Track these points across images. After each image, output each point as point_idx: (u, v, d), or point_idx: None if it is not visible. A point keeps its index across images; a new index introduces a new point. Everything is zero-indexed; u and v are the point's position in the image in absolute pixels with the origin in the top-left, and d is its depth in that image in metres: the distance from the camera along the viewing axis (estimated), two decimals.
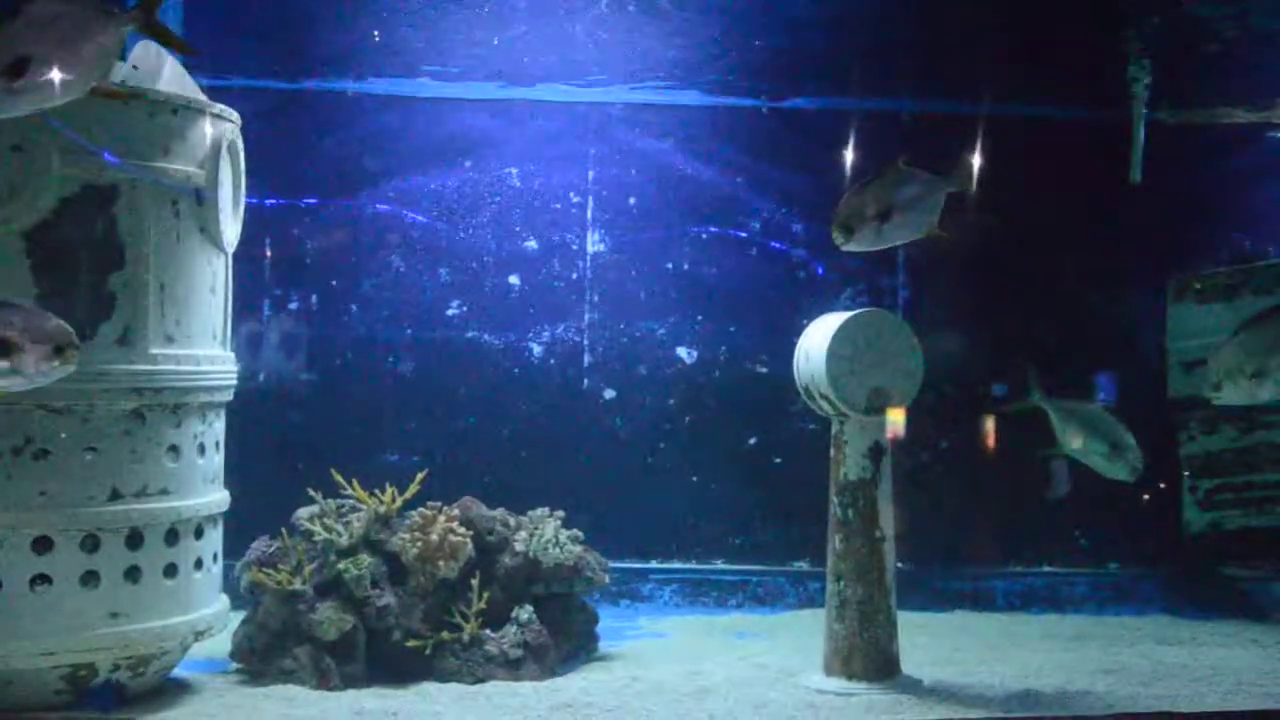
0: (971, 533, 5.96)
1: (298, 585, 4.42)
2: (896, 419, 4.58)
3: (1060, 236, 5.93)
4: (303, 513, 4.67)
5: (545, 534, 4.72)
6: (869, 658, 4.39)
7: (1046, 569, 5.98)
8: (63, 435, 3.86)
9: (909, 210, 4.14)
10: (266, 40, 5.63)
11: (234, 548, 4.53)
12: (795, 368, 4.61)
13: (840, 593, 4.45)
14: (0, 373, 3.27)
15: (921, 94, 5.90)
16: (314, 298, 5.83)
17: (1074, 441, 4.77)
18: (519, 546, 4.71)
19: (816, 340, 4.49)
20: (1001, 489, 5.93)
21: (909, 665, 4.49)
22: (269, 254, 5.80)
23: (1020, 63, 5.50)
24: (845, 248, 4.15)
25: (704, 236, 5.96)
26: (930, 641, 5.11)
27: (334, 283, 5.85)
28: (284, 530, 4.62)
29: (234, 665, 4.48)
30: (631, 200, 6.01)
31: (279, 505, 4.76)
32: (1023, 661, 4.80)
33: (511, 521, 4.80)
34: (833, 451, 4.52)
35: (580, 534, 4.85)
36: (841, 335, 4.41)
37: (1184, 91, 5.85)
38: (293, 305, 5.85)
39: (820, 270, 6.02)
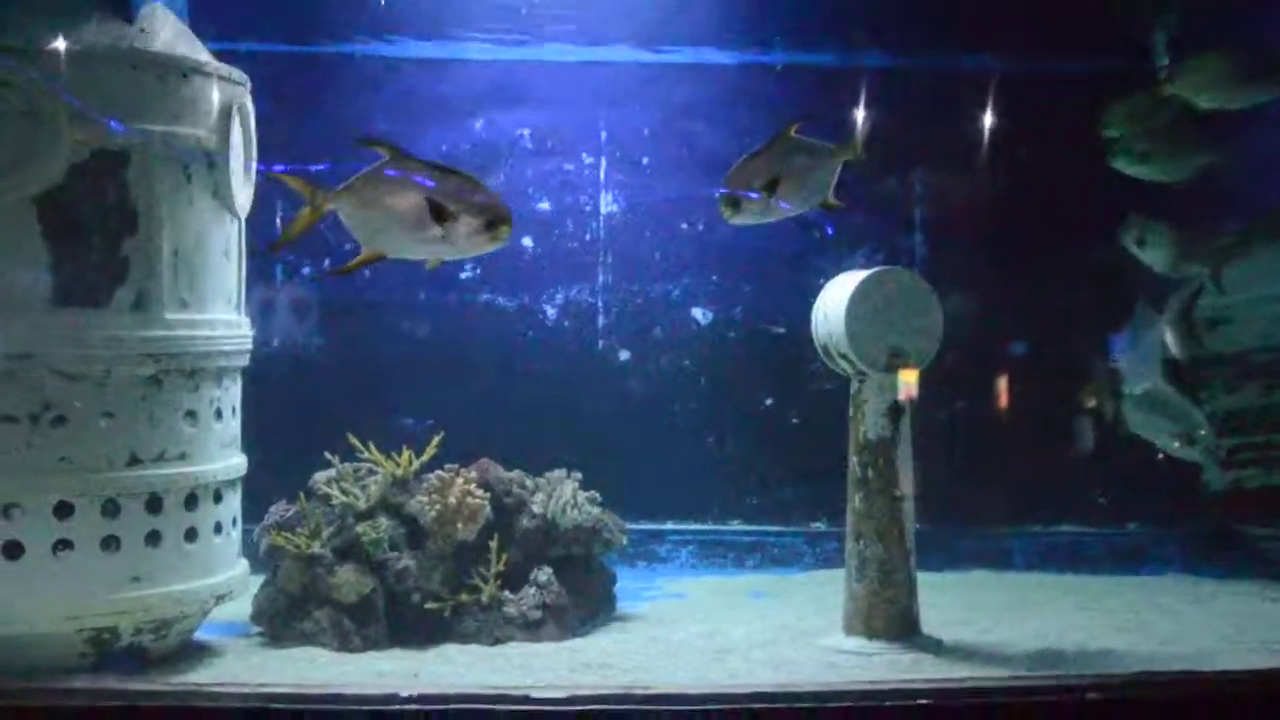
0: (989, 493, 5.93)
1: (316, 549, 4.43)
2: (914, 378, 4.55)
3: (1082, 194, 5.84)
4: (320, 476, 4.68)
5: (563, 496, 4.71)
6: (889, 617, 4.39)
7: (1065, 529, 5.95)
8: (79, 402, 3.86)
9: (798, 181, 4.10)
10: (272, 2, 5.58)
11: (252, 512, 4.54)
12: (813, 326, 4.57)
13: (860, 552, 4.44)
14: (431, 240, 3.28)
15: (936, 48, 5.81)
16: (327, 263, 5.80)
17: (1147, 424, 4.79)
18: (536, 508, 4.71)
19: (835, 298, 4.45)
20: (1019, 449, 5.90)
21: (928, 625, 4.49)
22: (281, 220, 5.76)
23: (1043, 13, 5.41)
24: (732, 221, 4.13)
25: (718, 196, 5.89)
26: (949, 601, 5.10)
27: (347, 247, 5.80)
28: (301, 494, 4.63)
29: (255, 628, 4.51)
30: (645, 160, 5.95)
31: (296, 470, 4.76)
32: (1042, 621, 4.79)
33: (529, 483, 4.80)
34: (851, 411, 4.50)
35: (598, 495, 4.84)
36: (860, 293, 4.37)
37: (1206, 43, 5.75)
38: (305, 270, 5.83)
39: (835, 229, 5.96)
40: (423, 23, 5.73)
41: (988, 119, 5.49)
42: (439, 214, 3.31)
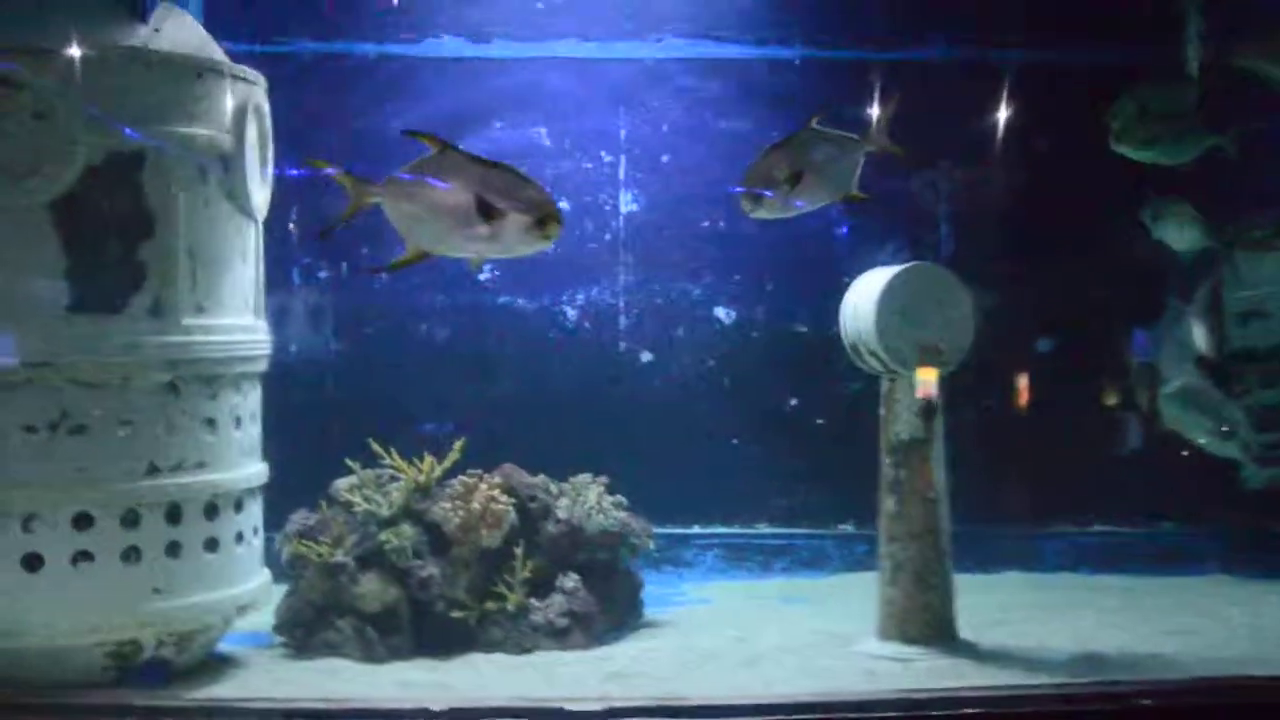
0: (1020, 492, 5.81)
1: (339, 557, 4.34)
2: (933, 377, 4.43)
3: (1109, 187, 5.72)
4: (341, 484, 4.59)
5: (588, 500, 4.62)
6: (925, 622, 4.28)
7: (1098, 528, 5.83)
8: (97, 411, 3.78)
9: (821, 174, 3.99)
10: (286, 2, 5.51)
11: (272, 520, 4.45)
12: (842, 325, 4.47)
13: (893, 555, 4.33)
14: (479, 237, 3.16)
15: (961, 41, 5.70)
16: (344, 266, 5.72)
17: (1182, 420, 4.68)
18: (562, 514, 4.62)
19: (865, 296, 4.35)
20: (1049, 447, 5.78)
21: (964, 628, 4.38)
22: (296, 223, 5.68)
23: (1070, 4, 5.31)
24: (754, 215, 4.02)
25: (740, 194, 5.79)
26: (981, 603, 4.97)
27: (364, 250, 5.74)
28: (323, 502, 4.55)
29: (277, 639, 4.42)
30: (665, 158, 5.85)
31: (315, 477, 4.68)
32: (1081, 624, 4.68)
33: (554, 488, 4.70)
34: (882, 410, 4.40)
35: (624, 500, 4.75)
36: (891, 290, 4.27)
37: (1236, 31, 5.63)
38: (322, 274, 5.75)
39: (859, 226, 5.86)
40: (435, 21, 5.64)
41: (1013, 111, 5.38)
42: (487, 211, 3.16)
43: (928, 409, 4.31)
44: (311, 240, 5.68)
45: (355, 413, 5.47)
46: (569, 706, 2.78)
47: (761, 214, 3.99)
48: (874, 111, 4.29)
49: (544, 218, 3.18)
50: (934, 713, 2.86)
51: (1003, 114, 5.39)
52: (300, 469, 4.67)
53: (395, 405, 5.60)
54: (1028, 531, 5.79)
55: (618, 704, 2.78)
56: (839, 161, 4.03)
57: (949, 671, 4.09)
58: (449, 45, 5.67)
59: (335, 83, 5.70)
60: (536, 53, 5.71)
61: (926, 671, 4.09)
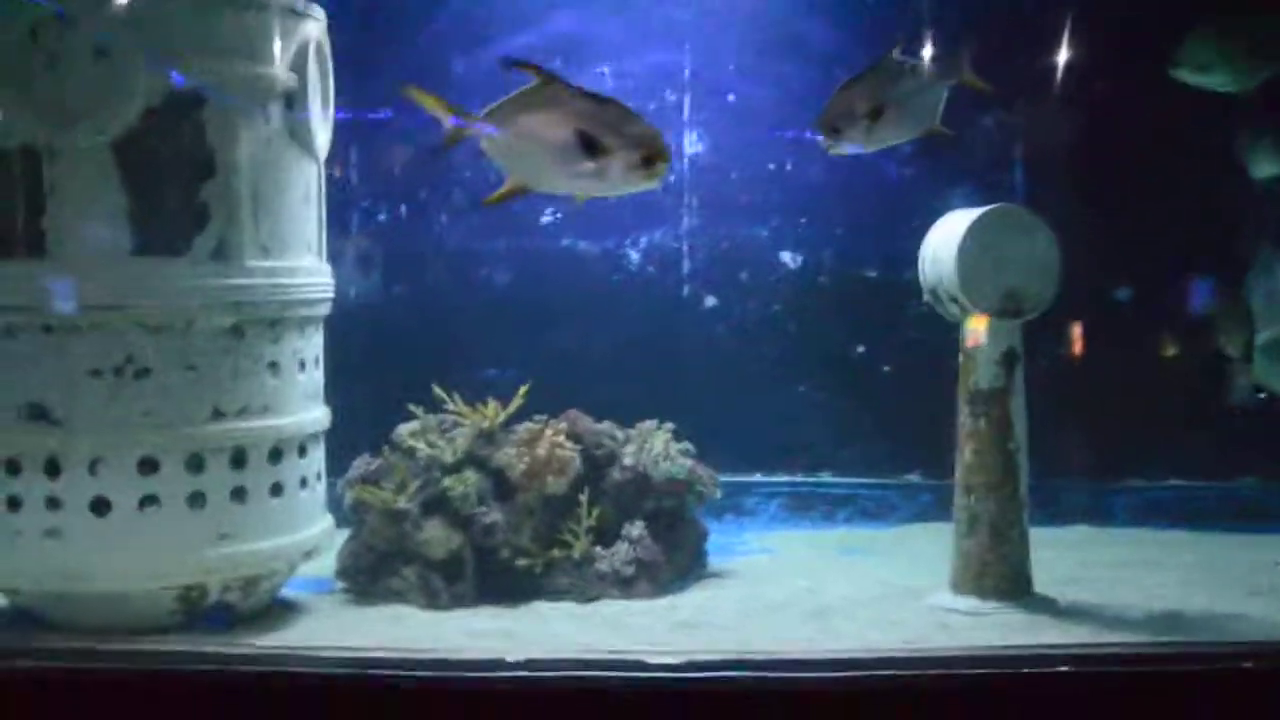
0: (1090, 444, 5.64)
1: (403, 503, 4.30)
2: (982, 325, 4.26)
3: (1201, 127, 5.46)
4: (404, 429, 4.54)
5: (655, 447, 4.53)
6: (1001, 575, 4.16)
7: (1172, 482, 5.65)
8: (162, 354, 3.74)
9: (904, 108, 3.83)
10: None
11: (333, 466, 4.41)
12: (920, 269, 4.31)
13: (970, 507, 4.21)
14: (583, 174, 3.07)
15: None
16: (403, 209, 5.63)
17: (1271, 373, 4.49)
18: (628, 460, 4.53)
19: (945, 239, 4.18)
20: (1122, 397, 5.59)
21: (1038, 584, 4.25)
22: (354, 165, 5.59)
23: None
24: (833, 152, 3.85)
25: (807, 135, 5.60)
26: (1053, 558, 4.82)
27: (422, 193, 5.64)
28: (385, 447, 4.50)
29: (339, 584, 4.40)
30: (731, 98, 5.67)
31: (375, 422, 4.64)
32: (1157, 580, 4.53)
33: (619, 435, 4.62)
34: (962, 358, 4.25)
35: (690, 447, 4.65)
36: (973, 233, 4.09)
37: None
38: (381, 218, 5.66)
39: (930, 168, 5.65)
40: None
41: (1094, 44, 5.13)
42: (591, 146, 3.03)
43: (1010, 356, 4.15)
44: (370, 182, 5.59)
45: (414, 358, 5.40)
46: (648, 658, 2.70)
47: (841, 150, 3.84)
48: (955, 44, 4.11)
49: (651, 155, 3.02)
50: (1025, 670, 2.75)
51: (1082, 47, 5.15)
52: (360, 414, 4.62)
53: (455, 350, 5.52)
54: (1098, 485, 5.63)
55: (698, 656, 2.69)
56: (922, 95, 3.87)
57: (1026, 627, 3.98)
58: None
59: (382, 20, 5.56)
60: None
61: (1002, 626, 3.98)
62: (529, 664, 2.68)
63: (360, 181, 5.61)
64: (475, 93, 3.42)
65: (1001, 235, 4.11)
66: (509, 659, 2.69)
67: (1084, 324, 5.63)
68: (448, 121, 3.30)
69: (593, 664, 2.70)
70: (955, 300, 4.17)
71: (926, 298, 4.31)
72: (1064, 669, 2.76)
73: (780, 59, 5.62)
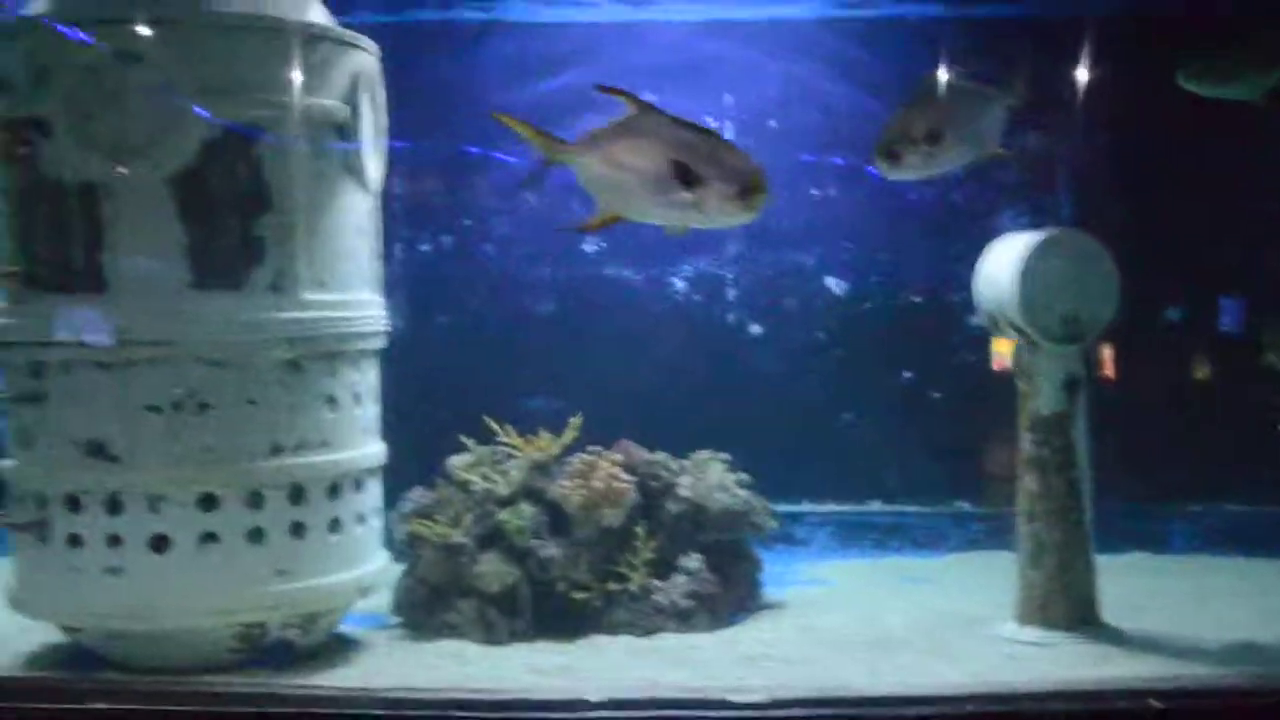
0: (1146, 468, 5.56)
1: (458, 537, 4.25)
2: (1008, 349, 4.21)
3: (1244, 146, 5.41)
4: (457, 461, 4.50)
5: (711, 478, 4.48)
6: (1068, 605, 4.09)
7: (1230, 507, 5.56)
8: (221, 389, 3.71)
9: (963, 130, 3.75)
10: None
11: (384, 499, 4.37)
12: (976, 295, 4.27)
13: (1035, 535, 4.14)
14: (677, 204, 3.00)
15: None
16: (447, 239, 5.62)
17: None
18: (684, 492, 4.48)
19: (1002, 264, 4.13)
20: (1177, 421, 5.52)
21: (1105, 613, 4.17)
22: (397, 195, 5.58)
23: None
24: (891, 176, 3.78)
25: (875, 149, 5.57)
26: (1114, 586, 4.72)
27: (467, 222, 5.62)
28: (440, 480, 4.45)
29: (394, 619, 4.35)
30: (772, 123, 5.65)
31: (424, 453, 4.59)
32: (1225, 608, 4.45)
33: (674, 465, 4.57)
34: (1022, 384, 4.19)
35: (746, 477, 4.60)
36: (1034, 257, 4.05)
37: None
38: (424, 247, 5.65)
39: (976, 191, 5.61)
40: None
41: (1144, 65, 5.09)
42: (686, 177, 2.96)
43: (1072, 382, 4.10)
44: (418, 213, 5.58)
45: (462, 388, 5.38)
46: (732, 697, 2.64)
47: (899, 174, 3.79)
48: (1011, 64, 4.08)
49: (748, 187, 2.95)
50: (1119, 704, 2.68)
51: (1131, 69, 5.11)
52: (408, 446, 4.58)
53: (501, 380, 5.50)
54: (1153, 510, 5.54)
55: (780, 694, 2.63)
56: (982, 117, 3.82)
57: (1096, 658, 3.90)
58: (552, 10, 5.51)
59: (428, 50, 5.57)
60: (645, 15, 5.53)
61: (1072, 657, 3.90)
62: (612, 703, 2.63)
63: (406, 212, 5.59)
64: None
65: (1061, 260, 4.07)
66: (591, 699, 2.64)
67: (1135, 345, 5.57)
68: (542, 148, 3.25)
69: (677, 703, 2.65)
70: (1015, 326, 4.12)
71: (983, 323, 4.26)
72: (1160, 705, 2.69)
73: (822, 83, 5.61)
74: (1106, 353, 5.42)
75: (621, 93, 3.16)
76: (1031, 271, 4.04)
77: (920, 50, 5.41)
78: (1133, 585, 4.82)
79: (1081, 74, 5.33)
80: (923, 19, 5.53)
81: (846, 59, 5.55)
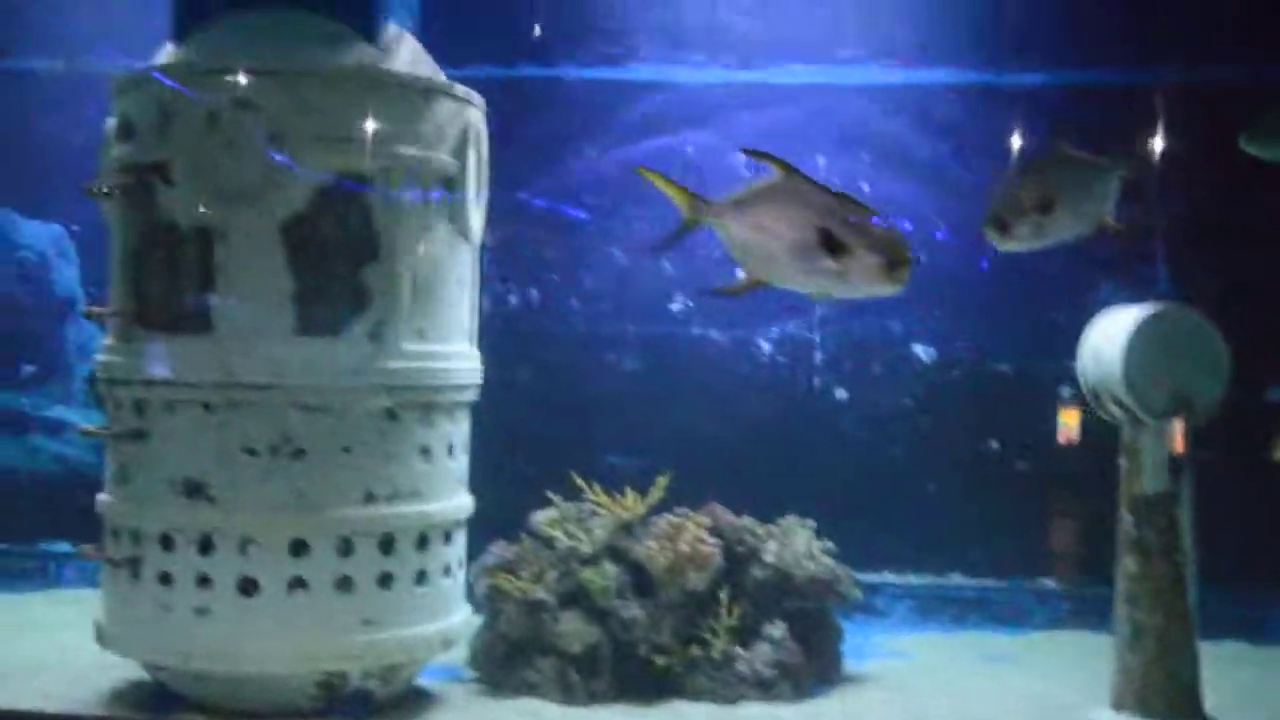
0: (1243, 553, 5.36)
1: (540, 594, 4.21)
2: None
3: None
4: (541, 517, 4.47)
5: (798, 545, 4.40)
6: (1169, 694, 3.93)
7: None
8: (317, 435, 3.73)
9: (1074, 201, 3.65)
10: (478, 25, 5.47)
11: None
12: (1080, 370, 4.17)
13: (1135, 619, 3.99)
14: (821, 272, 2.98)
15: (1197, 62, 5.34)
16: (534, 293, 5.64)
17: None
18: (769, 558, 4.40)
19: (1108, 339, 4.04)
20: (1276, 502, 5.33)
21: (1209, 705, 4.00)
22: (487, 247, 5.62)
23: None
24: (1001, 247, 3.69)
25: (986, 220, 5.53)
26: (1214, 676, 4.56)
27: (554, 277, 5.65)
28: (523, 535, 4.42)
29: (471, 673, 4.30)
30: (865, 187, 5.63)
31: (505, 506, 4.56)
32: None
33: (760, 531, 4.50)
34: (1124, 462, 4.07)
35: (833, 546, 4.51)
36: (1140, 333, 3.95)
37: None
38: (512, 300, 5.67)
39: (1072, 261, 5.51)
40: (630, 45, 5.55)
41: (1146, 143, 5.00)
42: (832, 245, 2.93)
43: (1176, 462, 3.98)
44: (503, 266, 5.62)
45: (541, 443, 5.37)
46: None
47: (1009, 245, 3.72)
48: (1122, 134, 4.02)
49: (895, 260, 2.91)
50: None
51: (1227, 135, 5.02)
52: (490, 498, 4.56)
53: (581, 435, 5.48)
54: (1252, 598, 5.33)
55: None
56: (1093, 187, 3.75)
57: None
58: (644, 70, 5.57)
59: (526, 106, 5.65)
60: (749, 78, 5.57)
61: None
62: None
63: (490, 264, 5.63)
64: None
65: (1167, 335, 3.97)
66: None
67: (1234, 420, 5.40)
68: (685, 208, 3.23)
69: None
70: (1119, 403, 4.02)
71: (1088, 399, 4.16)
72: None
73: (913, 149, 5.59)
74: (1212, 430, 5.29)
75: (769, 156, 3.13)
76: (1137, 346, 3.94)
77: (1017, 118, 5.40)
78: (1236, 675, 4.64)
79: (1187, 143, 5.27)
80: (1018, 87, 5.50)
81: (940, 125, 5.53)
